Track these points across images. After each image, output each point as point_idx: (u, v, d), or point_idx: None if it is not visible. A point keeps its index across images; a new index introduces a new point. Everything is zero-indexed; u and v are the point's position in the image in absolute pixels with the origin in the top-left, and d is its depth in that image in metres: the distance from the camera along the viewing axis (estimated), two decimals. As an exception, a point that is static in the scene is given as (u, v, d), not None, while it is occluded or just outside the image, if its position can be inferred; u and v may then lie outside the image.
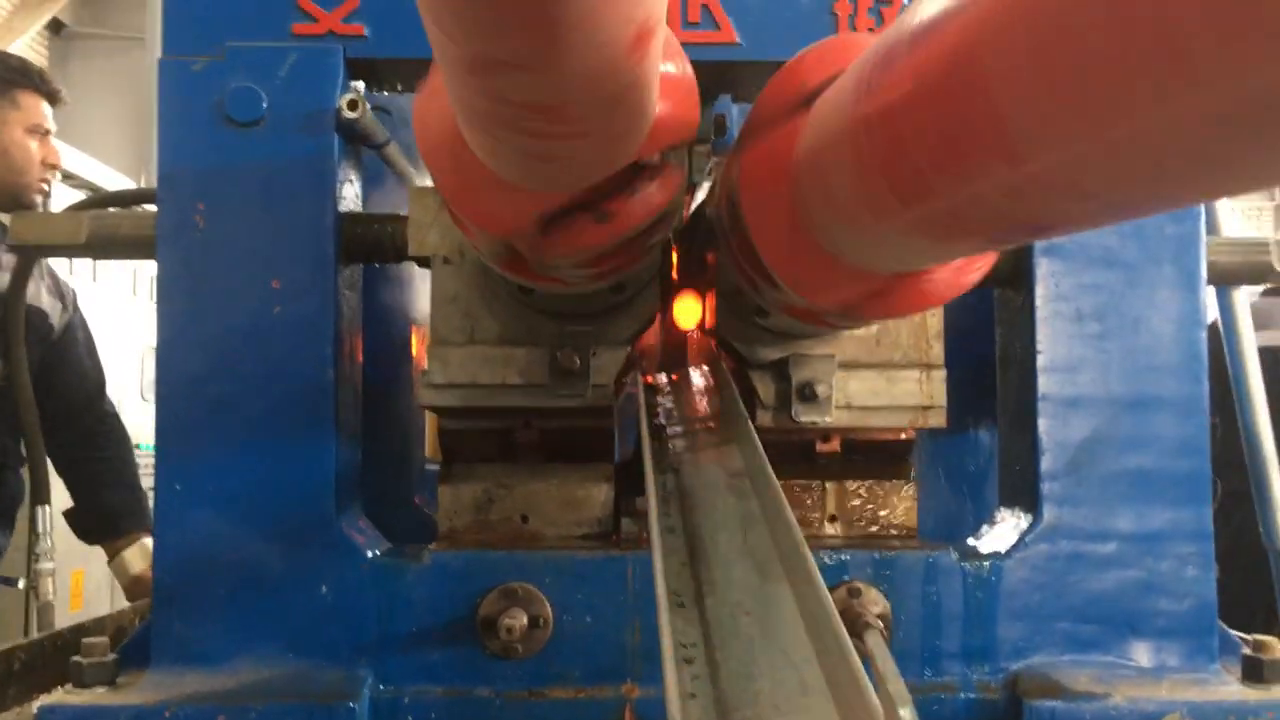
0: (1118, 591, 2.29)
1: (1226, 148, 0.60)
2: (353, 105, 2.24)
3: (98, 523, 4.15)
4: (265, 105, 2.25)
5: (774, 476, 1.79)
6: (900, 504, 2.50)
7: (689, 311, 2.36)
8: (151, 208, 2.41)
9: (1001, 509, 2.52)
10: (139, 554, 4.07)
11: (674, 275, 2.53)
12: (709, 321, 2.46)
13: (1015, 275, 2.40)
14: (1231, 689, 2.24)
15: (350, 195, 2.40)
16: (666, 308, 2.53)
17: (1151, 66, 0.57)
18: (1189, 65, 0.54)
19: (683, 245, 2.52)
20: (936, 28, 0.92)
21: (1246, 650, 2.31)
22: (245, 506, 2.24)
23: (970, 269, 1.71)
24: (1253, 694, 2.22)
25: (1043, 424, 2.32)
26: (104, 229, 2.42)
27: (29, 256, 3.02)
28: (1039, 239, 2.16)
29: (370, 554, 2.26)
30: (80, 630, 2.95)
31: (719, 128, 2.56)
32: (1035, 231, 1.06)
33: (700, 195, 2.62)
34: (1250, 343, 3.33)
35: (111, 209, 2.71)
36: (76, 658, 2.21)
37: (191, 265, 2.27)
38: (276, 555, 2.24)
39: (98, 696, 2.13)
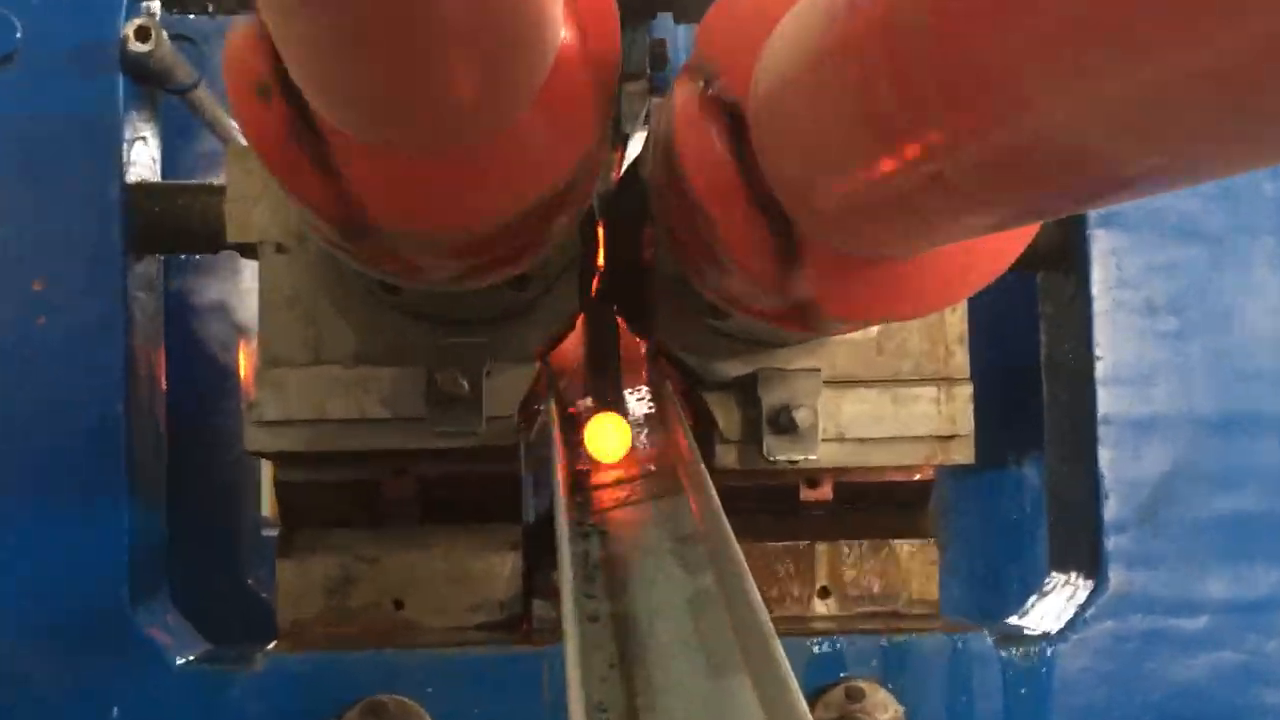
0: (1211, 681, 2.30)
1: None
2: (143, 34, 2.21)
3: None
4: (18, 35, 2.22)
5: (734, 538, 1.78)
6: (916, 570, 2.51)
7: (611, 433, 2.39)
8: None
9: (1053, 572, 2.52)
10: None
11: (598, 261, 2.52)
12: (650, 327, 2.45)
13: (1063, 254, 2.41)
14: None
15: (144, 159, 2.37)
16: (589, 307, 2.52)
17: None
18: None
19: (610, 219, 2.50)
20: None
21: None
22: (7, 596, 2.22)
23: (1001, 246, 1.70)
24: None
25: (1105, 455, 2.34)
26: None
27: None
28: (1093, 205, 2.15)
29: (181, 660, 2.25)
30: None
31: (657, 58, 2.55)
32: (1085, 193, 1.06)
33: (633, 150, 2.62)
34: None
35: None
36: None
37: (-81, 261, 2.26)
38: (51, 663, 2.22)
39: None
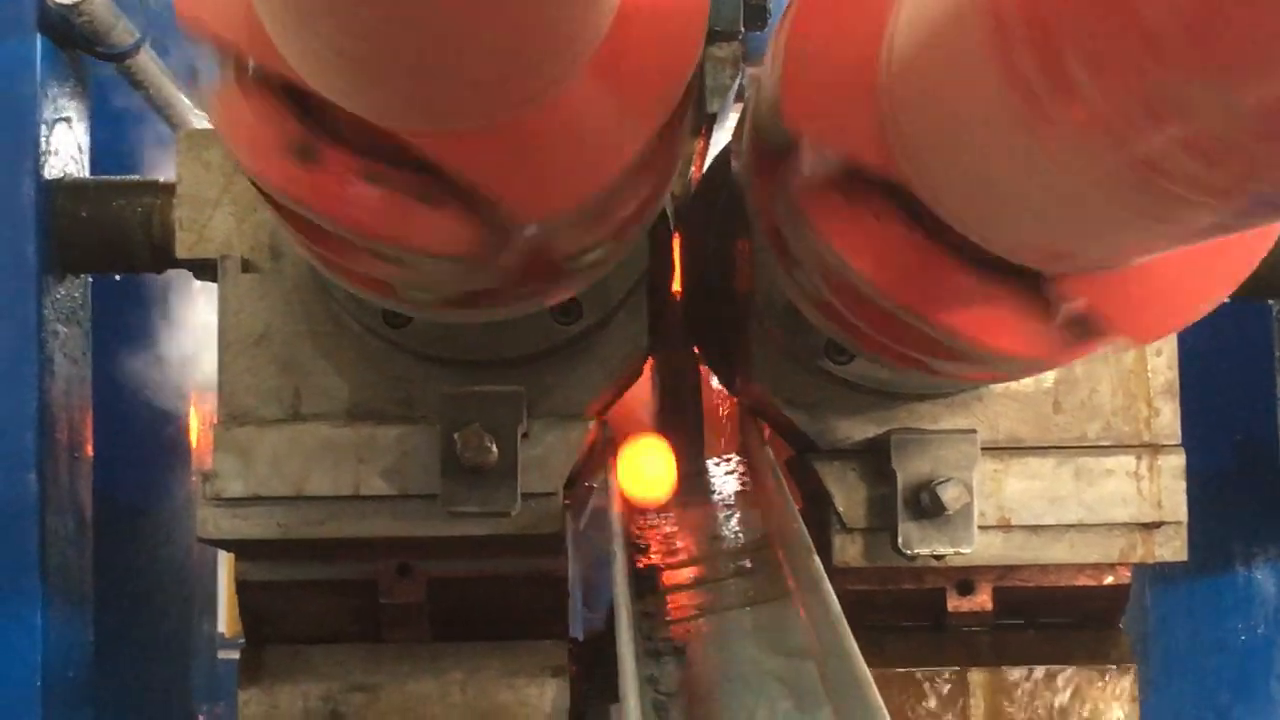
0: None
1: None
2: (70, -17, 2.28)
3: None
4: (-95, -14, 2.28)
5: (861, 659, 1.77)
6: (1108, 708, 2.49)
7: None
8: None
9: None
10: None
11: (673, 284, 2.53)
12: (743, 372, 2.44)
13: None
14: None
15: (68, 148, 2.41)
16: (662, 345, 2.52)
17: None
18: None
19: (689, 227, 2.51)
20: None
21: None
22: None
23: (1226, 262, 1.69)
24: None
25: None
26: None
27: None
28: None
29: (109, 820, 2.28)
30: None
31: (754, 12, 2.56)
32: None
33: (722, 135, 2.62)
34: None
35: None
36: None
37: None
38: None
39: None
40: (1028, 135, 1.28)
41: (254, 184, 1.71)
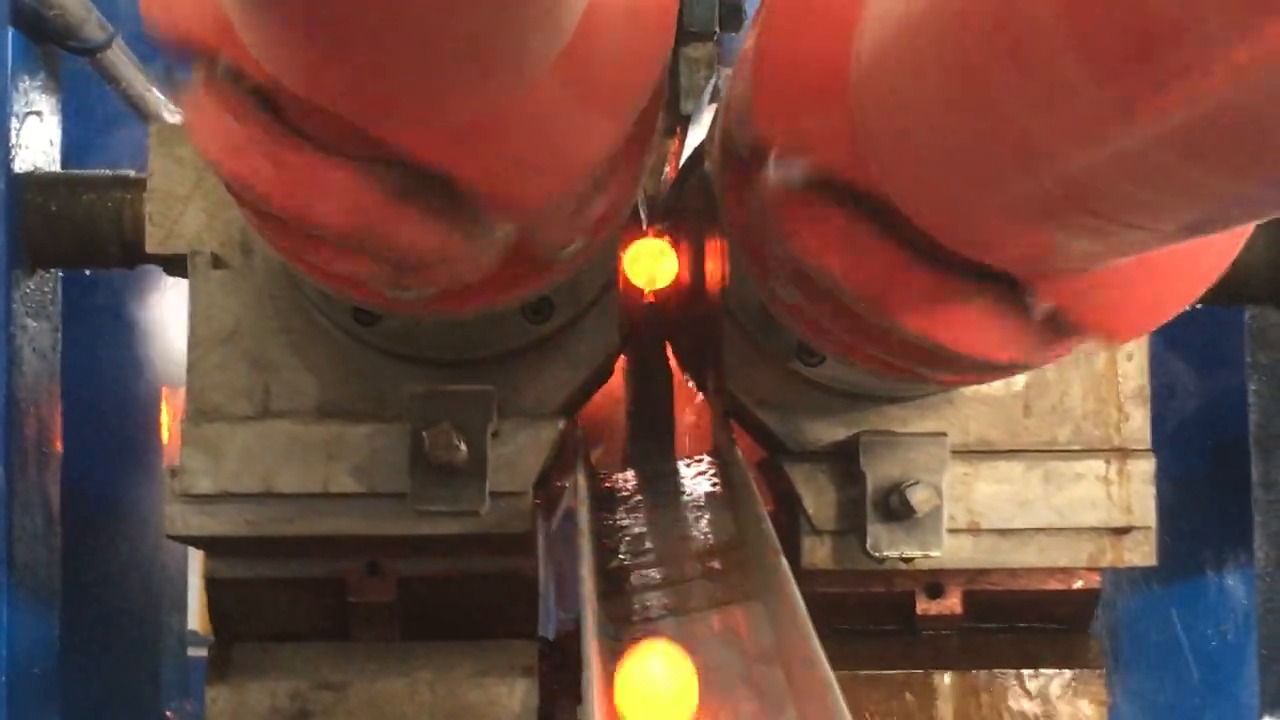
0: None
1: None
2: (41, -24, 2.26)
3: None
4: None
5: (826, 662, 1.76)
6: (1077, 714, 2.49)
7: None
8: None
9: (1265, 718, 2.52)
10: None
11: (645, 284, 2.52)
12: (715, 373, 2.44)
13: (1283, 281, 2.41)
14: None
15: (39, 141, 2.40)
16: (633, 345, 2.51)
17: None
18: None
19: (664, 227, 2.50)
20: None
21: None
22: None
23: (1196, 265, 1.68)
24: None
25: (1339, 560, 2.34)
26: None
27: None
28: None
29: (74, 818, 2.27)
30: None
31: (729, 14, 2.56)
32: None
33: (696, 136, 2.62)
34: None
35: None
36: None
37: None
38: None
39: None
40: (995, 142, 1.28)
41: (229, 188, 1.71)
